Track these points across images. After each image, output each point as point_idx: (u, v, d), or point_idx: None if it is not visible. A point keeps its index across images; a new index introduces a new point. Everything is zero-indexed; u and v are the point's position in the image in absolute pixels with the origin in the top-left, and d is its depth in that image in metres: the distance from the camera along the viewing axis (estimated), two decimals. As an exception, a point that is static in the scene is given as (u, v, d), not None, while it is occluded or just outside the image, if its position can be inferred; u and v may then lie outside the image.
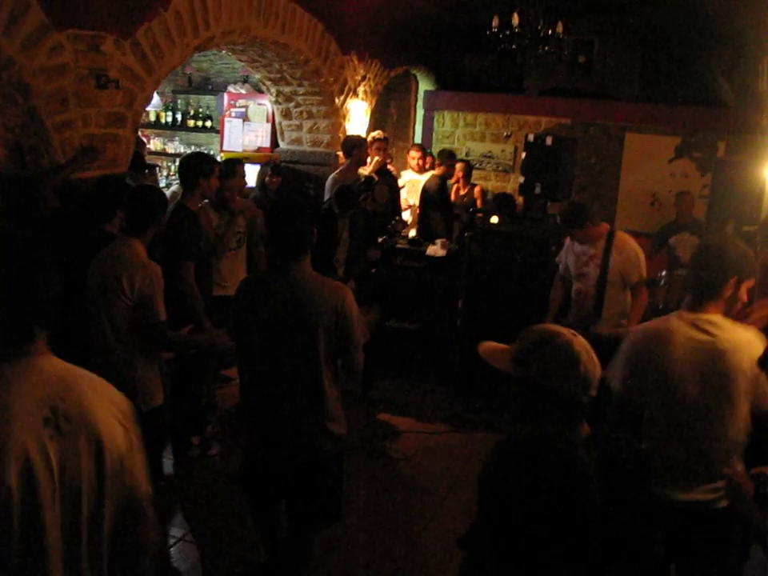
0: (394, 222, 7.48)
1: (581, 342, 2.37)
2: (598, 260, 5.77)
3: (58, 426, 1.92)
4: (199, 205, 5.64)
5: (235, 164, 6.32)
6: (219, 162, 6.04)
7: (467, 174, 9.31)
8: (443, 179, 8.96)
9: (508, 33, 8.43)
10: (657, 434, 3.18)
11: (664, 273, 7.34)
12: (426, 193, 8.81)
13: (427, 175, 9.12)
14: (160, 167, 9.78)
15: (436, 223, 8.61)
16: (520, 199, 9.00)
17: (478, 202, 9.18)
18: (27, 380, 1.91)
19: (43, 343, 1.97)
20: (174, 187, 8.02)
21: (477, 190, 9.35)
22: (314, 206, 6.80)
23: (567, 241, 6.08)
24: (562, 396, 2.30)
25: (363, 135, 8.61)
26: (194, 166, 5.50)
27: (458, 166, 9.21)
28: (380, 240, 7.47)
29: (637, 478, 2.34)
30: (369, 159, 8.38)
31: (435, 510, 5.37)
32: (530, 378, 2.34)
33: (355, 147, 7.72)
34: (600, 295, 5.76)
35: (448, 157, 9.20)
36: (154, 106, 9.71)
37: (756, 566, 2.74)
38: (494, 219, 6.89)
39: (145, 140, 8.94)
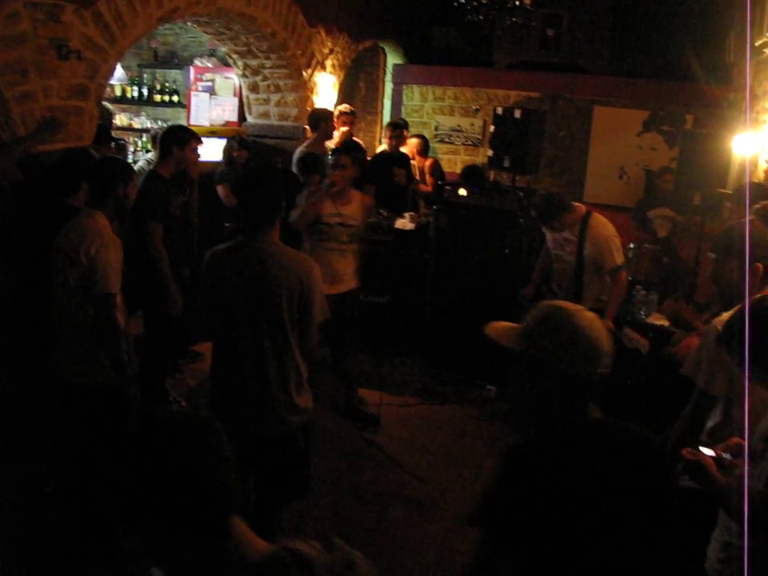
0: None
1: (587, 317, 2.29)
2: (573, 246, 5.81)
3: None
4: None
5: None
6: (197, 135, 6.05)
7: (423, 150, 9.30)
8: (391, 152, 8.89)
9: (476, 3, 8.39)
10: None
11: (632, 245, 7.39)
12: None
13: None
14: (126, 142, 9.68)
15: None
16: (491, 173, 9.03)
17: (427, 177, 9.17)
18: None
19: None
20: (140, 162, 7.95)
21: (427, 163, 9.33)
22: (286, 179, 6.74)
23: None
24: (566, 373, 2.24)
25: (331, 109, 8.57)
26: (170, 135, 5.79)
27: (414, 141, 9.21)
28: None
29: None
30: (336, 133, 8.35)
31: (406, 480, 5.39)
32: (534, 356, 2.28)
33: (321, 120, 7.67)
34: (579, 278, 5.81)
35: (395, 128, 8.92)
36: (120, 80, 9.59)
37: (719, 549, 2.76)
38: (462, 192, 6.88)
39: (112, 108, 8.84)
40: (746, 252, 3.13)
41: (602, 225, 5.85)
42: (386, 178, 8.35)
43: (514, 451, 2.32)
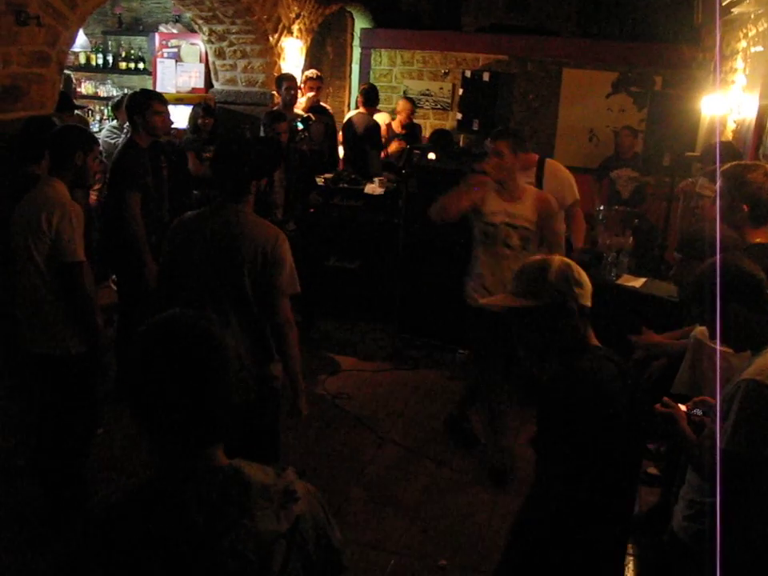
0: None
1: (566, 259, 2.63)
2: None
3: None
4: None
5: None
6: (159, 96, 5.86)
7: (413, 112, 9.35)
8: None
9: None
10: None
11: (602, 208, 7.41)
12: (353, 129, 8.71)
13: None
14: (92, 110, 9.54)
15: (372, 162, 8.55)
16: (461, 136, 9.01)
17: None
18: None
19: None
20: (104, 131, 7.85)
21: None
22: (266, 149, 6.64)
23: None
24: (580, 305, 2.51)
25: (299, 74, 8.49)
26: (130, 105, 5.64)
27: (407, 105, 9.25)
28: (320, 181, 7.43)
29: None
30: (302, 98, 8.30)
31: (379, 443, 5.41)
32: (548, 303, 2.51)
33: (279, 85, 7.63)
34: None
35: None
36: (83, 47, 9.40)
37: (685, 506, 2.79)
38: (432, 156, 6.85)
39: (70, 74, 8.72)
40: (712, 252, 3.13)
41: (558, 165, 5.87)
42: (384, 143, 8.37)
43: (556, 385, 2.53)
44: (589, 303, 2.56)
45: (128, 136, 5.75)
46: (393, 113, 9.52)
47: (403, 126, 9.17)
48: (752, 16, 6.19)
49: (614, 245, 5.97)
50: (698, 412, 2.83)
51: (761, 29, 5.93)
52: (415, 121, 9.59)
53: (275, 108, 7.51)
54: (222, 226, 3.65)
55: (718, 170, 3.93)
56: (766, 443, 2.51)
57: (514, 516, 2.90)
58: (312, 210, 7.09)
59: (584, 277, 2.57)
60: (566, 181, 5.77)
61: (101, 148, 5.93)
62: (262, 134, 6.70)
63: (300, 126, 6.83)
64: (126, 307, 5.77)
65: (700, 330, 3.39)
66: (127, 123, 6.22)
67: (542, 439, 2.57)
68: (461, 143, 9.03)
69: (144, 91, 5.92)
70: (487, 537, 4.46)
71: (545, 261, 2.59)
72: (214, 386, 1.63)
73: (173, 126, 6.50)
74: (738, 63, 6.86)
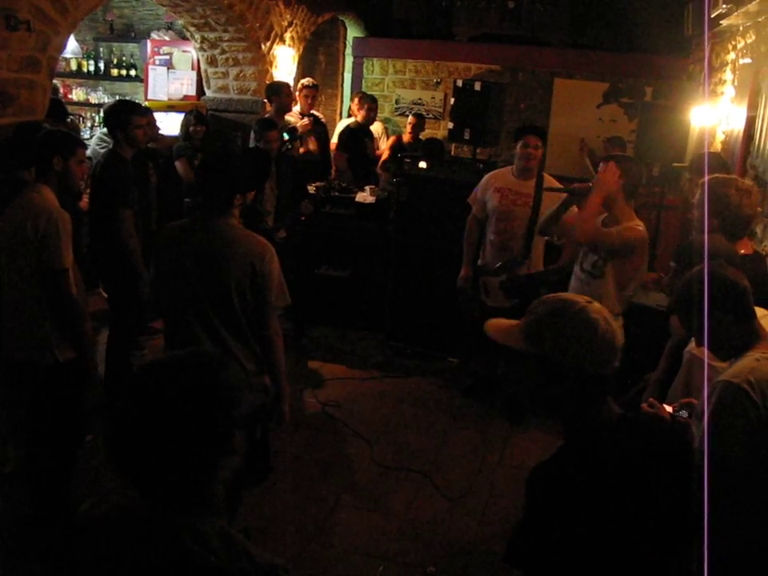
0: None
1: (597, 309, 2.15)
2: (528, 199, 5.68)
3: None
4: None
5: None
6: (140, 108, 5.82)
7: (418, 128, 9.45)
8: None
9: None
10: None
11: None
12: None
13: None
14: (83, 117, 9.55)
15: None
16: (451, 145, 9.03)
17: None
18: None
19: None
20: (94, 138, 7.85)
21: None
22: (254, 159, 6.60)
23: (486, 179, 5.97)
24: (581, 371, 2.09)
25: (291, 82, 8.50)
26: (110, 117, 5.51)
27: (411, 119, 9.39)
28: (312, 190, 7.43)
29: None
30: (298, 106, 8.32)
31: (369, 451, 5.41)
32: (545, 355, 2.12)
33: (274, 94, 7.59)
34: (530, 236, 5.68)
35: (373, 101, 9.20)
36: (75, 53, 9.42)
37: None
38: (423, 164, 6.86)
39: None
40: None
41: (554, 180, 5.73)
42: (358, 149, 8.39)
43: (536, 476, 2.14)
44: (608, 371, 2.13)
45: (110, 147, 5.63)
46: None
47: (414, 140, 9.22)
48: (740, 28, 6.23)
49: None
50: (684, 414, 2.87)
51: (749, 41, 5.96)
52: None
53: (267, 116, 7.51)
54: (209, 239, 3.61)
55: (705, 179, 3.96)
56: (737, 442, 2.55)
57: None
58: (303, 219, 7.08)
59: (613, 339, 2.12)
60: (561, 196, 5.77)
61: (89, 153, 5.93)
62: (252, 142, 6.69)
63: (286, 137, 6.84)
64: (116, 316, 5.73)
65: (693, 345, 3.40)
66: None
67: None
68: (452, 152, 9.07)
69: (123, 104, 5.78)
70: (476, 544, 4.46)
71: (566, 304, 2.17)
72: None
73: (162, 134, 6.51)
74: (727, 75, 6.90)
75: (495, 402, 6.14)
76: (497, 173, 5.98)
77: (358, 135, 8.91)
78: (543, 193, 5.63)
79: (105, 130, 7.66)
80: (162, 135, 7.05)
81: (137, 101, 8.69)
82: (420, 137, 9.30)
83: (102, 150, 7.21)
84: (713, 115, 7.13)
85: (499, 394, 6.13)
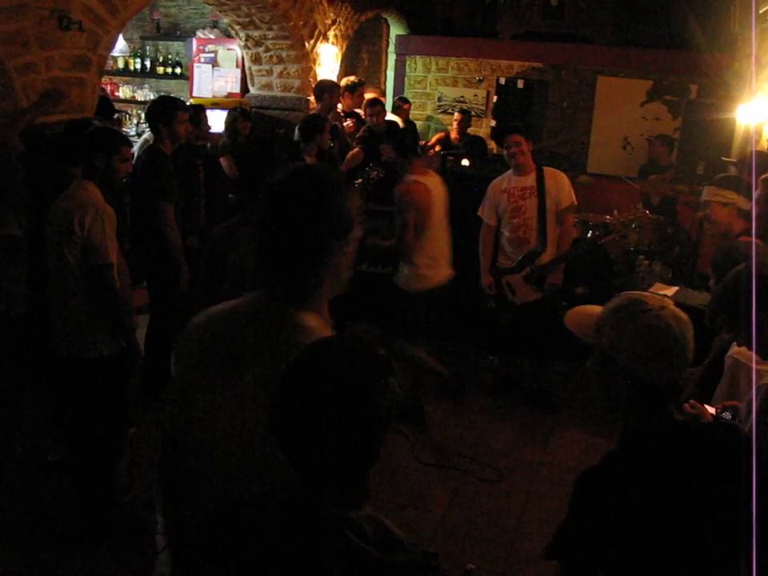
0: (368, 168, 7.35)
1: (670, 315, 2.00)
2: (533, 189, 5.87)
3: None
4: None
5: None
6: (183, 104, 5.80)
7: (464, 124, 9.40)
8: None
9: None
10: None
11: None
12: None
13: None
14: (130, 114, 9.68)
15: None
16: (493, 143, 9.01)
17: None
18: None
19: None
20: (145, 135, 7.94)
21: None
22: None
23: (491, 188, 6.16)
24: (633, 376, 1.99)
25: (335, 80, 8.54)
26: (154, 113, 5.54)
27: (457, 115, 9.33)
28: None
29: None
30: (340, 104, 8.35)
31: (410, 447, 5.43)
32: (603, 350, 2.05)
33: (326, 91, 7.63)
34: (542, 223, 5.85)
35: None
36: (122, 52, 9.57)
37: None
38: (465, 162, 6.87)
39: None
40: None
41: (556, 171, 6.03)
42: (374, 155, 8.35)
43: (587, 480, 2.04)
44: (665, 381, 2.01)
45: (150, 143, 5.68)
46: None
47: (460, 137, 9.19)
48: (789, 25, 6.17)
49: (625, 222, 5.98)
50: (727, 416, 2.85)
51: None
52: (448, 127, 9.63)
53: (313, 112, 7.54)
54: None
55: (754, 179, 3.93)
56: None
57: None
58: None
59: (679, 351, 1.99)
60: (565, 184, 5.92)
61: (134, 151, 6.00)
62: (296, 137, 6.72)
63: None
64: (157, 311, 5.80)
65: (736, 350, 3.38)
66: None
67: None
68: (494, 150, 9.05)
69: (168, 99, 5.79)
70: (516, 543, 4.47)
71: (634, 304, 2.04)
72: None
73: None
74: (775, 72, 6.83)
75: (531, 396, 6.18)
76: (498, 179, 6.16)
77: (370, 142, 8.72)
78: (547, 180, 5.85)
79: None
80: (211, 133, 7.12)
81: (181, 98, 8.84)
82: (468, 132, 9.27)
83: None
84: (759, 113, 7.05)
85: (530, 389, 6.25)
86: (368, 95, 8.71)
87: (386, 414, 1.57)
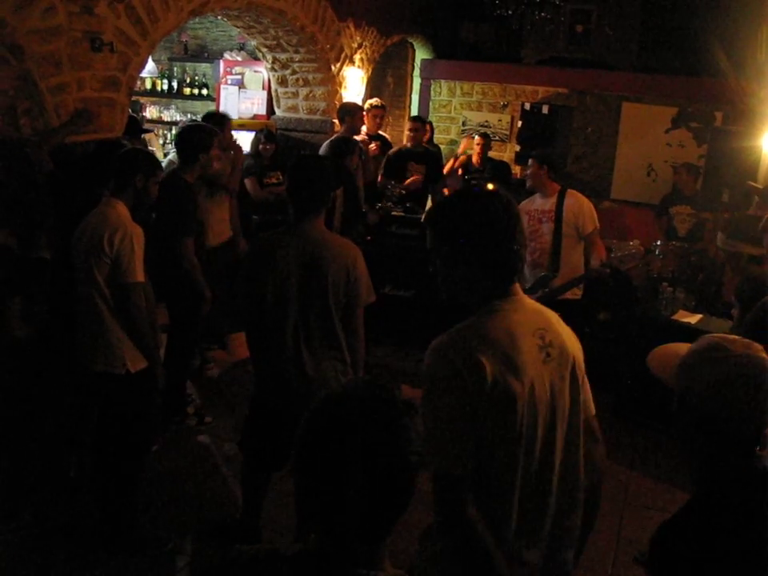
0: (390, 185, 7.39)
1: (755, 362, 1.87)
2: (551, 214, 5.95)
3: (548, 352, 2.28)
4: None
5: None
6: (217, 132, 5.76)
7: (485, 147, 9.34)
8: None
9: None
10: None
11: (659, 242, 7.38)
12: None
13: None
14: (156, 134, 9.76)
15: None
16: (517, 168, 9.04)
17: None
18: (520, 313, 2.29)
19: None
20: (170, 156, 8.00)
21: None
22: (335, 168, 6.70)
23: (520, 209, 6.09)
24: (711, 421, 1.86)
25: (360, 103, 8.59)
26: (195, 141, 5.45)
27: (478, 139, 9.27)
28: (377, 206, 7.49)
29: None
30: (364, 127, 8.39)
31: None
32: (682, 394, 1.93)
33: (347, 114, 7.68)
34: (557, 248, 5.91)
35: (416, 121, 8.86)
36: (150, 73, 9.67)
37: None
38: (490, 186, 6.88)
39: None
40: None
41: (578, 194, 6.08)
42: (401, 172, 8.37)
43: (664, 534, 1.94)
44: (747, 428, 1.85)
45: (173, 170, 5.57)
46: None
47: (481, 161, 9.15)
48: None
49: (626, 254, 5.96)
50: None
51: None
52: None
53: (337, 135, 7.59)
54: (303, 245, 3.82)
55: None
56: None
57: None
58: (369, 238, 7.12)
59: (755, 393, 1.83)
60: (587, 208, 5.96)
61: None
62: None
63: None
64: (176, 330, 5.79)
65: None
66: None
67: None
68: (518, 175, 9.07)
69: (206, 128, 5.65)
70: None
71: (717, 347, 1.92)
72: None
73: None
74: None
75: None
76: (528, 200, 6.23)
77: (400, 160, 8.73)
78: (567, 206, 5.92)
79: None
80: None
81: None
82: (488, 155, 9.25)
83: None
84: (786, 142, 7.06)
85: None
86: (370, 102, 8.78)
87: (415, 462, 1.52)
